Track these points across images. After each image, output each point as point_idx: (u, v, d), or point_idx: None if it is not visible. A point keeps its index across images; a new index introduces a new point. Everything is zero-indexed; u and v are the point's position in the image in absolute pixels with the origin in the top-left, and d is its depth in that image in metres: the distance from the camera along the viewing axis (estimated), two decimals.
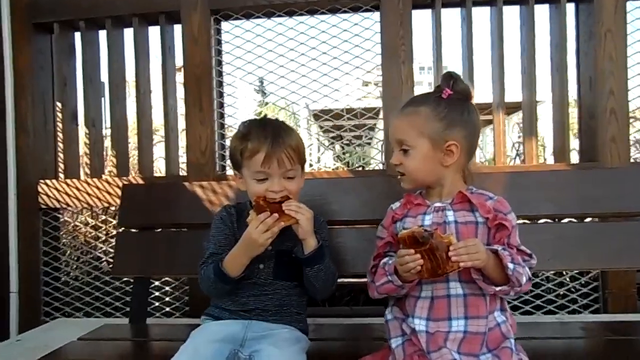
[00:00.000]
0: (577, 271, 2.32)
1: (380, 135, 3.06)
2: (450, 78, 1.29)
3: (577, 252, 1.75)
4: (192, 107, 2.43)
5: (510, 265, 1.17)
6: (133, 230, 2.06)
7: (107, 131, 2.69)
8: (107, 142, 2.74)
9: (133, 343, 1.74)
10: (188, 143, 2.42)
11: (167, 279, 2.59)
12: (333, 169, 2.99)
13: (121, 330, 1.85)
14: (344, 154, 3.66)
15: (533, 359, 1.25)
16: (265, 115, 1.63)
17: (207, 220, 1.96)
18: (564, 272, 2.38)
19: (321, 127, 3.40)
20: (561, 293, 2.35)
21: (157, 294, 2.59)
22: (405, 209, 1.35)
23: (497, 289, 1.20)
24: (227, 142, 2.64)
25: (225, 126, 2.61)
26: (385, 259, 1.33)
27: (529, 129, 2.40)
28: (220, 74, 2.56)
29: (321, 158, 4.09)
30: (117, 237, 2.03)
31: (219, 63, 2.57)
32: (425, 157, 1.27)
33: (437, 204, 1.30)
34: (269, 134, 1.37)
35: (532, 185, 1.79)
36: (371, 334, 1.71)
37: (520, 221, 1.77)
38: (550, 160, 2.82)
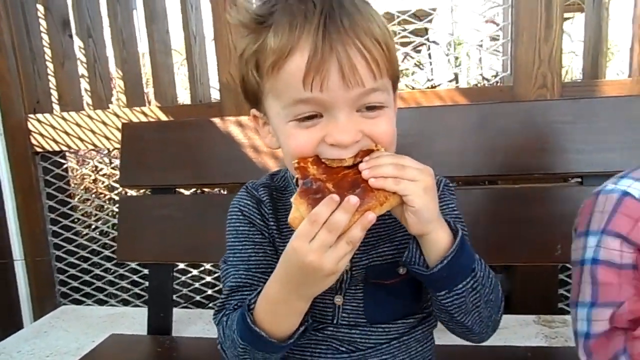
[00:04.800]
0: None
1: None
2: None
3: None
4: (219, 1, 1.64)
5: None
6: (141, 192, 1.39)
7: (109, 43, 1.96)
8: (112, 60, 2.02)
9: None
10: (218, 56, 1.66)
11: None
12: (429, 88, 1.97)
13: (133, 349, 1.24)
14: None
15: None
16: None
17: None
18: None
19: None
20: None
21: (194, 273, 1.97)
22: None
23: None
24: None
25: None
26: None
27: None
28: None
29: None
30: (120, 204, 1.37)
31: None
32: None
33: None
34: (316, 7, 0.61)
35: None
36: None
37: None
38: None
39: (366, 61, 0.60)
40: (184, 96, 2.71)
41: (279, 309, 0.65)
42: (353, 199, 0.57)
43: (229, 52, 1.64)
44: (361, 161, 0.62)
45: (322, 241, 0.57)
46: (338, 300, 0.72)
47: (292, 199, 0.60)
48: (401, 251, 0.70)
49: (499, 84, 1.88)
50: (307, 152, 0.64)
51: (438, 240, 0.64)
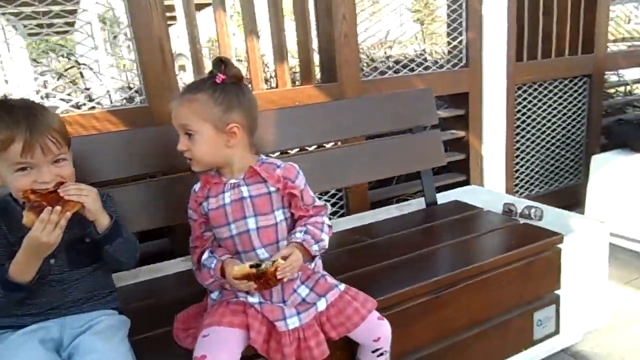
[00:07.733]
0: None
1: None
2: (221, 63, 1.33)
3: (333, 173, 2.12)
4: None
5: (315, 247, 1.35)
6: None
7: None
8: None
9: None
10: None
11: None
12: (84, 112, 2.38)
13: None
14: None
15: None
16: (5, 96, 1.29)
17: None
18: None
19: None
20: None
21: None
22: (206, 189, 1.40)
23: (312, 266, 1.43)
24: None
25: None
26: (205, 256, 1.38)
27: (280, 54, 2.57)
28: None
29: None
30: None
31: None
32: (210, 141, 1.33)
33: (232, 181, 1.38)
34: (22, 118, 1.18)
35: (298, 120, 2.04)
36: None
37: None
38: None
39: (53, 143, 1.20)
40: None
41: (25, 268, 1.20)
42: (57, 208, 1.16)
43: None
44: (58, 187, 1.20)
45: (48, 231, 1.15)
46: (52, 261, 1.29)
47: (24, 212, 1.16)
48: (84, 227, 1.30)
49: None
50: (26, 188, 1.18)
51: (103, 221, 1.27)
